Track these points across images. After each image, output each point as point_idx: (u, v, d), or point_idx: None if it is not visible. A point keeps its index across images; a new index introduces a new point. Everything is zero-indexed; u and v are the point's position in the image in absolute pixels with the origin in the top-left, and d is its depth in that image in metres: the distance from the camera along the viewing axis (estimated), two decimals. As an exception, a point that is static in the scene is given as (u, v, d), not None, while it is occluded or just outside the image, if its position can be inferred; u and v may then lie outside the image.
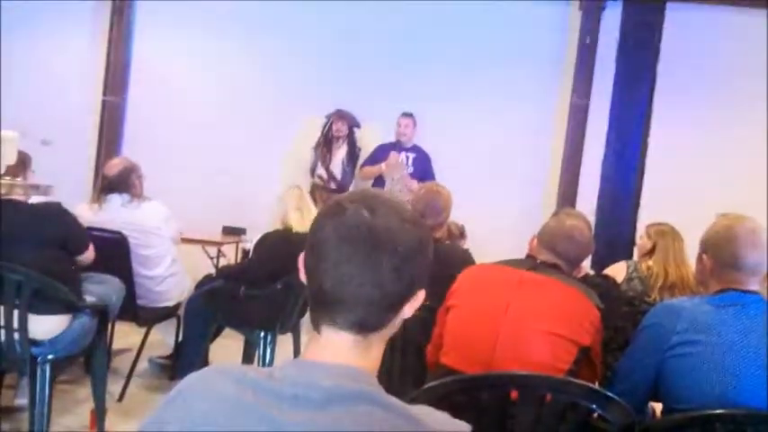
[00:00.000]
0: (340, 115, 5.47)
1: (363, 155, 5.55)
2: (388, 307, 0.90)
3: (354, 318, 0.89)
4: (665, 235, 3.17)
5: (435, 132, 5.48)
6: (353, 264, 0.87)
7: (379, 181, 5.29)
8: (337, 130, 5.45)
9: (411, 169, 5.27)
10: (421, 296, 0.93)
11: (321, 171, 5.44)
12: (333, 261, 0.87)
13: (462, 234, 3.94)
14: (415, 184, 5.13)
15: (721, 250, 1.82)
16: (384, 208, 0.89)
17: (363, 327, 0.89)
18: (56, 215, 2.67)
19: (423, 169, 5.29)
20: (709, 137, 5.37)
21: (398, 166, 5.20)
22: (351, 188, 5.36)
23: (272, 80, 5.92)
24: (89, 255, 2.85)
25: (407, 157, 5.30)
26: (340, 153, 5.48)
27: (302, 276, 0.93)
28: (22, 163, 2.89)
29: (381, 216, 0.88)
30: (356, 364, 0.89)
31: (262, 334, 3.36)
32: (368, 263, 0.86)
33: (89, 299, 2.78)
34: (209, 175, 5.78)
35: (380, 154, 5.33)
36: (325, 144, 5.49)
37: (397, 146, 5.30)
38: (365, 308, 0.88)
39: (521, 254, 2.32)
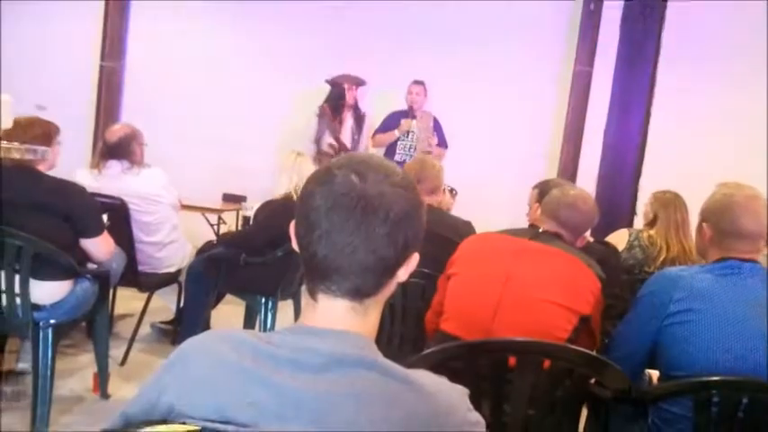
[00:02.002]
0: (354, 81, 5.34)
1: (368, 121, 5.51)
2: (383, 272, 0.89)
3: (350, 284, 0.88)
4: (668, 205, 3.12)
5: (438, 101, 5.43)
6: (346, 231, 0.86)
7: (392, 148, 5.27)
8: (352, 98, 5.34)
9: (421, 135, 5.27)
10: (415, 260, 0.92)
11: (331, 140, 5.33)
12: (325, 229, 0.86)
13: (453, 194, 3.93)
14: (435, 142, 5.21)
15: (721, 219, 1.82)
16: (374, 173, 0.88)
17: (359, 293, 0.89)
18: (68, 191, 2.63)
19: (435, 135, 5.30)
20: (714, 106, 5.32)
21: (427, 130, 5.22)
22: None
23: (272, 47, 5.84)
24: (102, 244, 2.75)
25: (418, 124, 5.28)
26: (348, 121, 5.41)
27: (294, 245, 0.92)
28: (48, 135, 2.75)
29: (371, 181, 0.87)
30: (354, 329, 0.89)
31: (263, 300, 3.38)
32: (360, 229, 0.86)
33: (90, 265, 2.79)
34: (209, 143, 5.74)
35: (392, 122, 5.29)
36: (334, 112, 5.36)
37: (408, 113, 5.27)
38: (360, 274, 0.88)
39: (523, 223, 2.32)
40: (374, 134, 5.40)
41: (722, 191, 1.87)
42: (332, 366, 0.83)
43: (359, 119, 5.41)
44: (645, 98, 5.24)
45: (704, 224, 1.88)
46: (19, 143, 2.55)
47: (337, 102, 5.36)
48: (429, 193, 2.82)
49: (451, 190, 3.84)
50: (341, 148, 5.31)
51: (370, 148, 5.43)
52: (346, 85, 5.35)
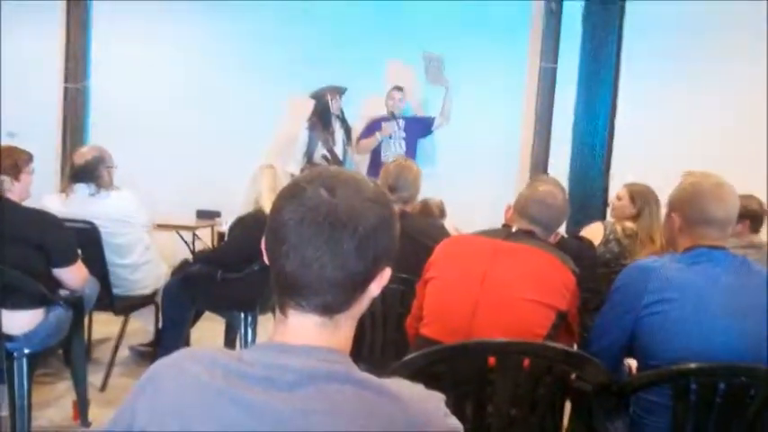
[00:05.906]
0: (337, 91, 5.34)
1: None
2: (353, 287, 0.88)
3: (319, 300, 0.87)
4: (650, 199, 3.18)
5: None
6: (314, 245, 0.85)
7: (377, 153, 5.25)
8: (337, 108, 5.34)
9: (404, 134, 5.27)
10: (387, 274, 0.91)
11: (324, 152, 5.29)
12: (293, 244, 0.85)
13: (442, 212, 3.91)
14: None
15: (689, 207, 1.84)
16: (344, 187, 0.87)
17: (329, 308, 0.88)
18: (41, 220, 2.60)
19: (415, 134, 5.33)
20: (680, 95, 5.38)
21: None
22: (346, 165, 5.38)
23: (241, 60, 5.80)
24: (75, 273, 2.73)
25: (399, 124, 5.30)
26: (339, 132, 5.39)
27: (265, 260, 0.92)
28: (15, 165, 2.69)
29: (341, 195, 0.86)
30: (325, 344, 0.88)
31: (242, 316, 3.35)
32: (329, 244, 0.85)
33: (62, 291, 2.74)
34: (180, 159, 5.67)
35: (375, 127, 5.29)
36: (324, 125, 5.33)
37: (389, 118, 5.29)
38: (329, 290, 0.87)
39: (498, 223, 2.32)
40: (358, 141, 5.39)
41: (689, 179, 1.90)
42: (305, 382, 0.83)
43: (348, 130, 5.41)
44: (610, 90, 5.30)
45: (673, 213, 1.90)
46: None
47: (324, 114, 5.35)
48: (404, 203, 2.82)
49: (442, 210, 3.80)
50: (334, 160, 5.29)
51: (354, 156, 5.43)
52: (329, 96, 5.34)
